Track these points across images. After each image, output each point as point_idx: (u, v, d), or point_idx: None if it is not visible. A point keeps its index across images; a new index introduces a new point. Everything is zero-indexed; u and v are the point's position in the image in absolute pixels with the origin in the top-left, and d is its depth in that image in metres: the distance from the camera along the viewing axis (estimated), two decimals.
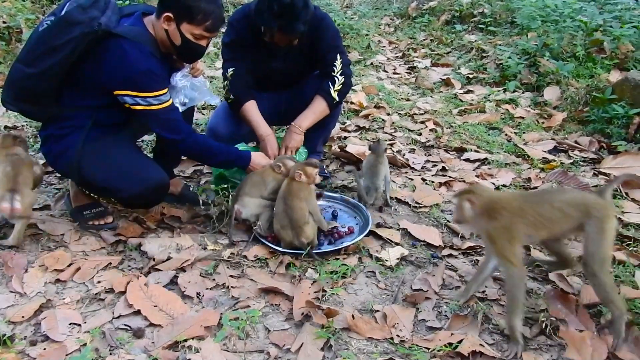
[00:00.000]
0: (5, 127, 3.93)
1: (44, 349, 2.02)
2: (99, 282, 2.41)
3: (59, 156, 2.71)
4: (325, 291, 2.41)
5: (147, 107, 2.54)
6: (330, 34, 3.18)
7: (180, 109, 2.77)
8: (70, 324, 2.14)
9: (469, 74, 6.08)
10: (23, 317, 2.17)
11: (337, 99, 3.16)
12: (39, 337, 2.08)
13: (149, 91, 2.52)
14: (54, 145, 2.71)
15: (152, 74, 2.52)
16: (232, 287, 2.42)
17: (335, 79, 3.13)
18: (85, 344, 2.03)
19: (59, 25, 2.47)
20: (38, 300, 2.26)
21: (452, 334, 2.16)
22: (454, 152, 4.09)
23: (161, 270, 2.50)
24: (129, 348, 2.03)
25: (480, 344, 2.09)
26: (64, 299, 2.31)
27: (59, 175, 3.31)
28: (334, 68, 3.14)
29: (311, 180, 2.72)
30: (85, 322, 2.16)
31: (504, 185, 3.48)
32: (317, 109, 3.15)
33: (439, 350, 2.07)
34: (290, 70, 3.25)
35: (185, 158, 3.42)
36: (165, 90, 2.59)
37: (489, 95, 5.35)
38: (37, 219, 2.81)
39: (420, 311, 2.33)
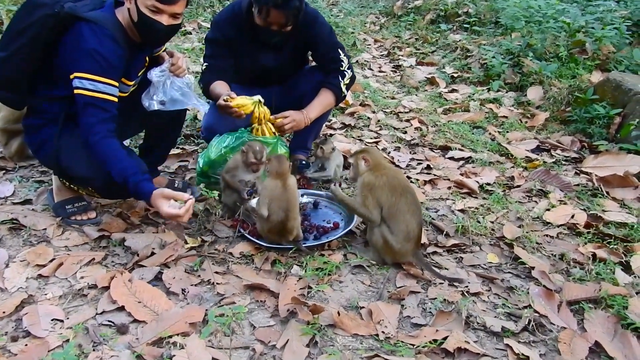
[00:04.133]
0: None
1: (26, 344, 1.99)
2: (82, 277, 2.39)
3: (39, 146, 2.70)
4: (311, 288, 2.41)
5: (80, 91, 2.41)
6: (327, 32, 3.22)
7: (156, 107, 2.71)
8: (52, 320, 2.11)
9: (453, 73, 6.12)
10: (4, 312, 2.13)
11: (345, 92, 3.22)
12: (21, 333, 2.05)
13: (87, 72, 2.40)
14: (33, 136, 2.70)
15: (97, 54, 2.40)
16: (217, 283, 2.41)
17: (345, 72, 3.20)
18: (68, 340, 2.00)
19: (26, 7, 2.46)
20: (19, 296, 2.23)
21: (437, 330, 2.18)
22: (439, 151, 4.12)
23: (145, 266, 2.48)
24: (112, 344, 2.01)
25: (466, 341, 2.11)
26: (46, 294, 2.27)
27: (41, 170, 3.26)
28: (342, 64, 3.21)
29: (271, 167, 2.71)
30: (68, 318, 2.13)
31: (488, 184, 3.51)
32: (324, 101, 3.17)
33: (424, 347, 2.09)
34: (281, 67, 3.25)
35: (172, 153, 3.40)
36: (108, 81, 2.44)
37: (473, 94, 5.39)
38: (18, 213, 2.77)
39: (405, 308, 2.34)
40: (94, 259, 2.51)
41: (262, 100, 2.85)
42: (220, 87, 3.02)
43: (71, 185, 2.79)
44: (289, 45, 3.11)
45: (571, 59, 5.33)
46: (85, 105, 2.42)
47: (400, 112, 4.87)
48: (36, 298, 2.25)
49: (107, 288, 2.29)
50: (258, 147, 2.77)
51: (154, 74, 2.70)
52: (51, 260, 2.47)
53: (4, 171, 3.30)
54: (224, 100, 2.81)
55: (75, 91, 2.42)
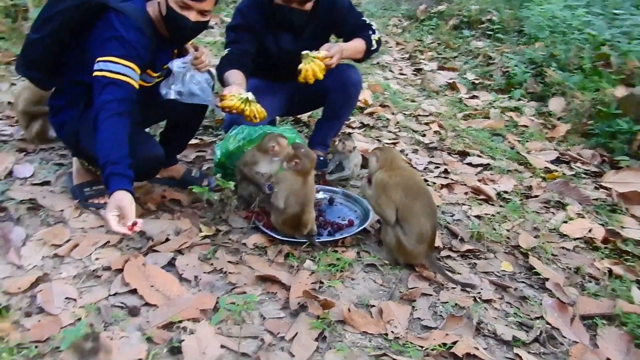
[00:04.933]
0: (8, 103, 3.90)
1: (39, 320, 2.01)
2: (96, 259, 2.40)
3: (61, 126, 2.75)
4: (323, 283, 2.41)
5: (100, 72, 2.40)
6: (347, 6, 3.26)
7: (172, 96, 2.73)
8: (65, 299, 2.13)
9: (474, 79, 6.09)
10: (19, 288, 2.16)
11: (375, 46, 3.24)
12: (35, 309, 2.07)
13: (110, 56, 2.40)
14: (56, 116, 2.75)
15: (123, 40, 2.41)
16: (229, 272, 2.41)
17: (375, 31, 3.26)
18: (80, 319, 2.02)
19: None
20: (35, 273, 2.25)
21: (446, 334, 2.16)
22: (457, 156, 4.10)
23: (159, 252, 2.49)
24: (123, 325, 2.02)
25: (475, 347, 2.09)
26: (60, 273, 2.30)
27: (60, 153, 3.30)
28: (370, 25, 3.26)
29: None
30: (80, 298, 2.15)
31: (505, 192, 3.49)
32: (356, 45, 3.17)
33: (432, 350, 2.08)
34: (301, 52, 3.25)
35: (190, 143, 3.42)
36: (130, 64, 2.43)
37: (494, 101, 5.36)
38: (37, 194, 2.80)
39: (416, 309, 2.33)
40: (109, 241, 2.53)
41: (252, 97, 2.72)
42: (232, 77, 2.97)
43: (90, 168, 2.83)
44: (309, 28, 3.12)
45: (595, 72, 5.27)
46: (104, 86, 2.40)
47: (420, 115, 4.85)
48: (51, 276, 2.27)
49: (120, 271, 2.31)
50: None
51: (176, 64, 2.72)
52: (67, 241, 2.50)
53: (24, 153, 3.34)
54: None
55: (95, 73, 2.41)
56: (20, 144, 3.39)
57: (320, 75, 2.93)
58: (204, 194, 2.70)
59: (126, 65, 2.44)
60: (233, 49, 3.13)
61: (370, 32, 3.22)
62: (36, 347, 1.88)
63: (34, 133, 3.38)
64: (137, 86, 2.50)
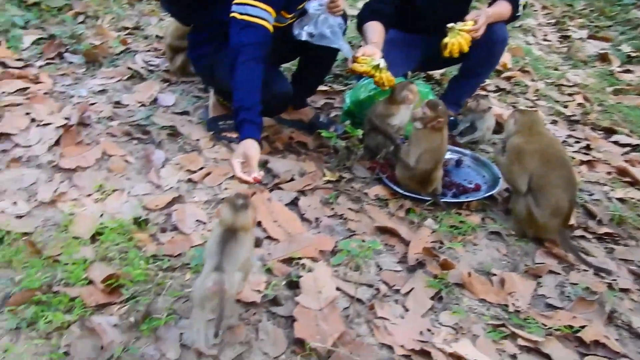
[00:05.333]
0: (156, 36, 4.14)
1: (172, 237, 2.15)
2: (225, 188, 2.51)
3: (198, 60, 2.87)
4: (443, 244, 2.34)
5: (236, 14, 2.41)
6: None
7: (304, 37, 2.71)
8: (196, 221, 2.26)
9: (630, 52, 5.46)
10: (157, 205, 2.32)
11: (520, 12, 3.07)
12: (169, 226, 2.22)
13: None
14: (194, 50, 2.87)
15: None
16: (349, 219, 2.41)
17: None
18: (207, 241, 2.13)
19: None
20: (171, 194, 2.40)
21: (574, 317, 2.01)
22: (602, 132, 3.73)
23: (284, 190, 2.55)
24: None
25: (605, 336, 1.93)
26: (193, 197, 2.43)
27: (200, 87, 3.45)
28: None
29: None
30: (210, 222, 2.27)
31: None
32: (501, 10, 2.99)
33: (556, 330, 1.95)
34: (440, 6, 3.09)
35: (319, 89, 3.43)
36: (265, 7, 2.41)
37: None
38: (177, 122, 2.97)
39: (542, 286, 2.19)
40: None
41: (384, 64, 2.65)
42: (371, 31, 2.91)
43: (225, 103, 2.93)
44: None
45: None
46: (241, 28, 2.43)
47: (563, 85, 4.47)
48: (185, 199, 2.41)
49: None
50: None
51: (312, 6, 2.71)
52: (201, 168, 2.63)
53: (167, 83, 3.53)
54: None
55: (233, 14, 2.44)
56: (164, 74, 3.59)
57: (466, 48, 2.80)
58: (332, 139, 2.70)
59: (262, 9, 2.44)
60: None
61: None
62: (168, 260, 2.02)
63: (177, 66, 3.56)
64: (272, 29, 2.50)
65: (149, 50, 3.97)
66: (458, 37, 2.78)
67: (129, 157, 2.64)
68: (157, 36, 4.13)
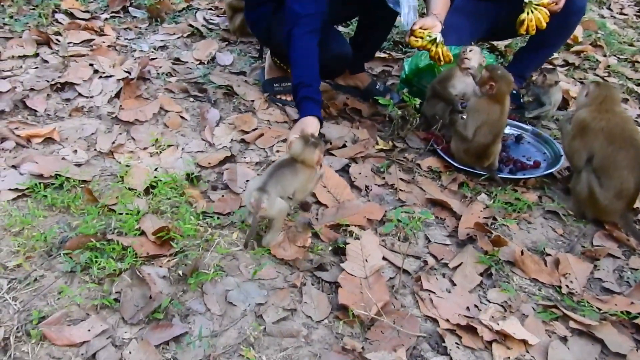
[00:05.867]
0: None
1: (223, 195, 2.18)
2: (277, 151, 2.51)
3: (255, 22, 2.84)
4: (496, 220, 2.26)
5: None
6: None
7: (405, 11, 2.58)
8: (247, 181, 2.25)
9: None
10: (209, 163, 2.35)
11: None
12: (220, 185, 2.24)
13: None
14: (251, 12, 2.84)
15: None
16: (400, 189, 2.37)
17: None
18: None
19: None
20: (223, 153, 2.42)
21: (632, 302, 1.91)
22: None
23: (335, 156, 2.52)
24: (294, 215, 2.10)
25: None
26: (245, 158, 2.44)
27: (257, 47, 3.43)
28: None
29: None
30: None
31: None
32: None
33: (612, 315, 1.86)
34: None
35: (377, 56, 3.35)
36: None
37: None
38: (233, 81, 2.97)
39: (598, 269, 2.09)
40: None
41: (441, 39, 2.53)
42: None
43: (282, 65, 2.91)
44: None
45: None
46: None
47: (638, 62, 4.20)
48: (237, 159, 2.42)
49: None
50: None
51: None
52: (254, 129, 2.63)
53: (226, 43, 3.55)
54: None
55: None
56: (224, 34, 3.60)
57: (544, 25, 2.66)
58: (388, 107, 2.63)
59: None
60: None
61: None
62: (218, 218, 2.04)
63: (236, 25, 3.56)
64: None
65: (210, 9, 3.99)
66: (536, 13, 2.64)
67: (184, 113, 2.68)
68: None
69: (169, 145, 2.42)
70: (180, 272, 1.76)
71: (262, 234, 1.94)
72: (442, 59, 2.57)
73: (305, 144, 1.92)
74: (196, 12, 3.86)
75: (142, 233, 1.88)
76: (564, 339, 1.77)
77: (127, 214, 1.93)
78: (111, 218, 1.93)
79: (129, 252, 1.78)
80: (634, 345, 1.76)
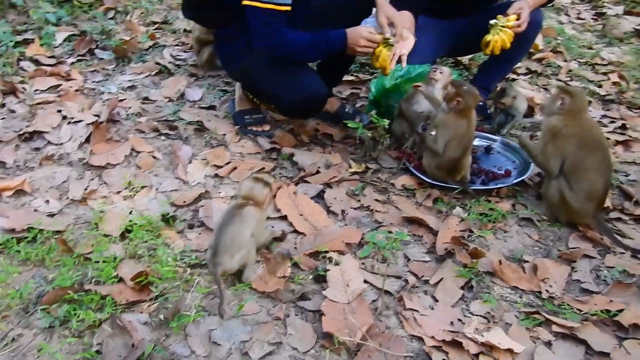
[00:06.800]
0: (184, 30, 4.17)
1: (200, 233, 2.17)
2: None
3: (228, 58, 2.85)
4: (472, 232, 2.29)
5: (252, 2, 2.43)
6: None
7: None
8: None
9: None
10: (184, 202, 2.34)
11: None
12: (196, 222, 2.24)
13: None
14: (223, 47, 2.86)
15: None
16: (376, 210, 2.39)
17: None
18: None
19: None
20: (198, 190, 2.42)
21: (610, 301, 1.95)
22: (638, 111, 3.60)
23: (310, 183, 2.54)
24: (271, 248, 2.10)
25: None
26: (220, 192, 2.44)
27: (226, 80, 3.46)
28: None
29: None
30: None
31: None
32: None
33: (592, 315, 1.89)
34: None
35: (345, 79, 3.40)
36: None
37: None
38: (203, 116, 2.99)
39: (576, 271, 2.13)
40: (264, 168, 2.63)
41: (391, 40, 2.54)
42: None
43: (253, 99, 2.93)
44: None
45: None
46: (256, 15, 2.46)
47: (597, 64, 4.32)
48: (212, 194, 2.43)
49: (272, 197, 2.38)
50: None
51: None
52: (227, 163, 2.64)
53: (195, 78, 3.56)
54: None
55: (245, 2, 2.44)
56: (192, 69, 3.62)
57: (508, 45, 2.75)
58: (358, 129, 2.67)
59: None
60: None
61: None
62: (196, 257, 2.03)
63: (204, 59, 3.58)
64: (289, 8, 2.47)
65: (176, 45, 4.02)
66: (501, 34, 2.72)
67: (156, 153, 2.67)
68: (184, 30, 4.17)
69: (143, 187, 2.41)
70: (162, 317, 1.74)
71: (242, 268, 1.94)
72: (379, 60, 2.56)
73: (253, 182, 1.95)
74: (163, 49, 3.88)
75: (120, 280, 1.86)
76: (548, 344, 1.79)
77: (103, 261, 1.92)
78: (88, 267, 1.91)
79: (108, 301, 1.76)
80: (616, 342, 1.80)
